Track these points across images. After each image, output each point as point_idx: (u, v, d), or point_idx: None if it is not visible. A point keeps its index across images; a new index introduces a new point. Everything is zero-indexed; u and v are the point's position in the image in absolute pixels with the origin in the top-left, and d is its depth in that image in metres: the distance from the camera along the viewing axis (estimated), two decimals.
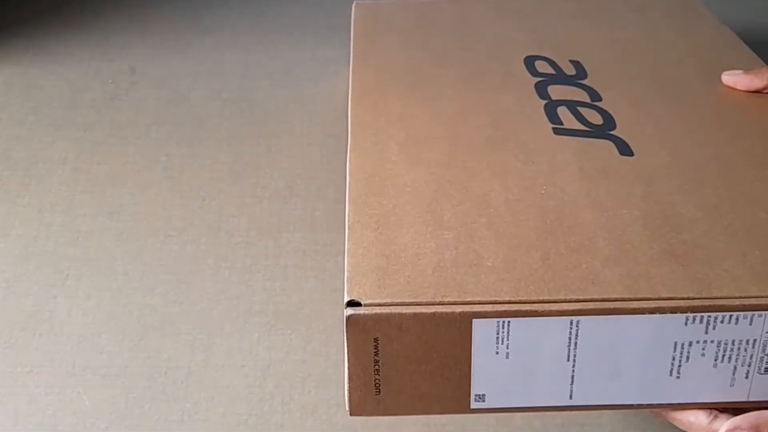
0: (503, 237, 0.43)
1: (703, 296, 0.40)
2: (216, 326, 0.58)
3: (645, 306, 0.40)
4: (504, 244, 0.43)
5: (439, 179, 0.48)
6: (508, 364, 0.41)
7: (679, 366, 0.41)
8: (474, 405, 0.42)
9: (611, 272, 0.41)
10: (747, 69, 0.58)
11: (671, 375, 0.41)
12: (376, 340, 0.40)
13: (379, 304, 0.40)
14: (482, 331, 0.40)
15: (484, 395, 0.42)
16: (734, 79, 0.57)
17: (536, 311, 0.40)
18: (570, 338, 0.40)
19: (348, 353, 0.41)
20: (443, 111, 0.55)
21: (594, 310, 0.40)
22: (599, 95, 0.56)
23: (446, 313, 0.40)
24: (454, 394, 0.42)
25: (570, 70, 0.59)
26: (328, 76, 0.78)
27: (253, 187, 0.68)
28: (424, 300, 0.40)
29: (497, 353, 0.41)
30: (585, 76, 0.59)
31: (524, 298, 0.40)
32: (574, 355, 0.41)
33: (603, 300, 0.40)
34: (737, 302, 0.40)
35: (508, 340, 0.40)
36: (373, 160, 0.50)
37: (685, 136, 0.52)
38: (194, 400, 0.54)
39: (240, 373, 0.55)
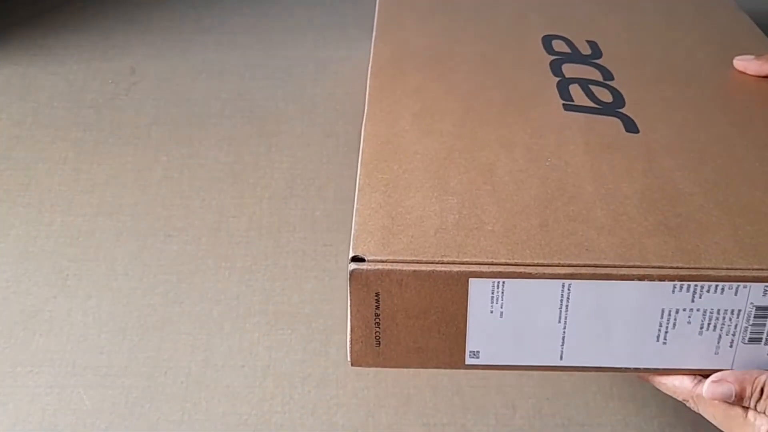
0: (505, 203, 0.45)
1: (691, 266, 0.41)
2: (216, 326, 0.58)
3: (634, 273, 0.41)
4: (505, 210, 0.44)
5: (449, 148, 0.49)
6: (502, 323, 0.42)
7: (666, 332, 0.42)
8: (468, 361, 0.44)
9: (605, 240, 0.42)
10: (759, 55, 0.58)
11: (658, 341, 0.43)
12: (377, 294, 0.42)
13: (382, 261, 0.41)
14: (478, 290, 0.41)
15: (478, 352, 0.43)
16: (745, 64, 0.58)
17: (530, 273, 0.41)
18: (561, 301, 0.41)
19: (351, 306, 0.42)
20: (458, 85, 0.56)
21: (585, 274, 0.41)
22: (612, 74, 0.57)
23: (444, 272, 0.41)
24: (450, 350, 0.43)
25: (586, 50, 0.60)
26: (328, 76, 0.78)
27: (253, 187, 0.68)
28: (424, 258, 0.41)
29: (492, 312, 0.42)
30: (600, 55, 0.59)
31: (519, 261, 0.41)
32: (565, 318, 0.42)
33: (594, 265, 0.41)
34: (723, 273, 0.41)
35: (502, 300, 0.42)
36: (387, 128, 0.51)
37: (691, 116, 0.53)
38: (194, 400, 0.54)
39: (240, 373, 0.55)
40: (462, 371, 0.47)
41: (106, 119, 0.75)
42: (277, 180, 0.69)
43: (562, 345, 0.43)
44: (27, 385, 0.55)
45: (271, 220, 0.65)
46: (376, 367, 0.45)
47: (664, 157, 0.49)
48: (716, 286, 0.41)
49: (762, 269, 0.41)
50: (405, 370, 0.55)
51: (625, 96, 0.55)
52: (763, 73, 0.58)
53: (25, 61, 0.82)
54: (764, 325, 0.42)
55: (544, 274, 0.41)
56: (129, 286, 0.61)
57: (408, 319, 0.43)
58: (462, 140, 0.50)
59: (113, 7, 0.90)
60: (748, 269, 0.41)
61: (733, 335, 0.42)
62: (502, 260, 0.41)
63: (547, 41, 0.61)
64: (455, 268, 0.41)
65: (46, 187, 0.69)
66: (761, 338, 0.42)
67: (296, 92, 0.76)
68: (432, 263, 0.41)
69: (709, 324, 0.42)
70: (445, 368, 0.44)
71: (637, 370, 0.44)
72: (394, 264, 0.41)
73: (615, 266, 0.41)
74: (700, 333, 0.42)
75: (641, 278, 0.41)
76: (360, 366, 0.44)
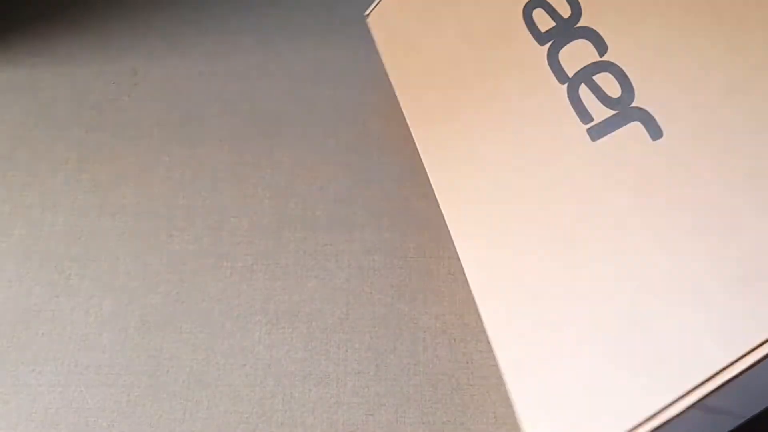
0: (582, 338, 0.46)
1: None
2: (217, 325, 0.58)
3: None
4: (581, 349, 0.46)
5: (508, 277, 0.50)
6: None
7: None
8: None
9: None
10: None
11: None
12: None
13: None
14: None
15: None
16: None
17: None
18: None
19: None
20: (484, 156, 0.56)
21: None
22: (604, 41, 0.56)
23: None
24: None
25: (565, 10, 0.59)
26: (328, 76, 0.78)
27: (254, 187, 0.68)
28: None
29: None
30: (579, 12, 0.58)
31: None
32: None
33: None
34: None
35: None
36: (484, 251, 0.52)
37: (708, 83, 0.50)
38: (196, 398, 0.54)
39: (241, 371, 0.55)
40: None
41: (108, 120, 0.76)
42: (278, 180, 0.69)
43: None
44: (29, 384, 0.55)
45: (272, 219, 0.66)
46: None
47: (690, 169, 0.48)
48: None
49: None
50: (404, 368, 0.55)
51: (630, 78, 0.54)
52: None
53: (27, 62, 0.83)
54: None
55: None
56: (131, 285, 0.61)
57: None
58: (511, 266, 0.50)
59: (115, 9, 0.90)
60: None
61: None
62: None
63: (528, 14, 0.60)
64: None
65: (48, 188, 0.69)
66: None
67: (297, 92, 0.77)
68: None
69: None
70: None
71: None
72: None
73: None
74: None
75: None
76: None
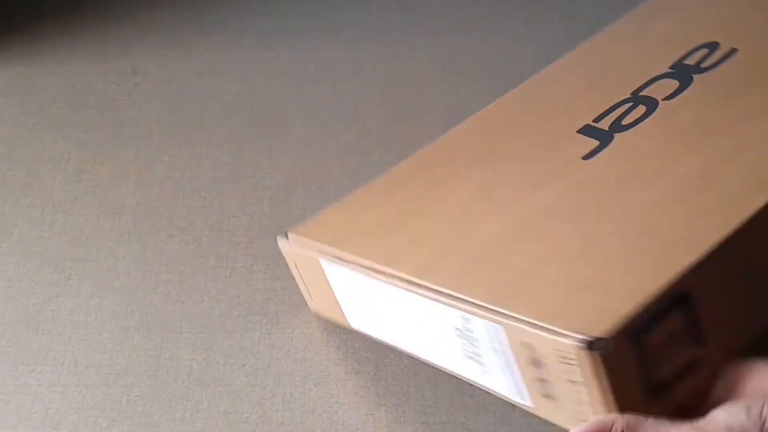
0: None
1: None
2: (217, 325, 0.58)
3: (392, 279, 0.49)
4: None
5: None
6: (348, 295, 0.53)
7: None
8: (351, 325, 0.55)
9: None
10: None
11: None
12: (295, 265, 0.58)
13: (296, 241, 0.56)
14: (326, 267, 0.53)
15: (351, 317, 0.54)
16: None
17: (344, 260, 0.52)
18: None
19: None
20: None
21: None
22: (681, 92, 0.56)
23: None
24: (341, 312, 0.55)
25: (712, 60, 0.59)
26: (328, 77, 0.78)
27: (254, 187, 0.68)
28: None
29: (343, 286, 0.53)
30: (712, 66, 0.57)
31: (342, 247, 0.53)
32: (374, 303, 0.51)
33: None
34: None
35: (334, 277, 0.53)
36: None
37: (670, 172, 0.50)
38: (196, 398, 0.54)
39: (241, 371, 0.56)
40: None
41: (108, 120, 0.76)
42: (278, 180, 0.69)
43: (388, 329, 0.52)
44: (29, 383, 0.55)
45: (272, 219, 0.66)
46: (318, 315, 0.58)
47: (585, 196, 0.50)
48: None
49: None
50: (404, 368, 0.55)
51: (648, 120, 0.54)
52: None
53: (27, 63, 0.83)
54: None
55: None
56: (131, 285, 0.61)
57: (313, 283, 0.56)
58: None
59: (115, 8, 0.90)
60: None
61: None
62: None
63: (692, 49, 0.60)
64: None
65: (48, 188, 0.69)
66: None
67: (296, 93, 0.77)
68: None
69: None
70: (347, 327, 0.56)
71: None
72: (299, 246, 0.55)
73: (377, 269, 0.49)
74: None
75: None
76: (314, 312, 0.58)
